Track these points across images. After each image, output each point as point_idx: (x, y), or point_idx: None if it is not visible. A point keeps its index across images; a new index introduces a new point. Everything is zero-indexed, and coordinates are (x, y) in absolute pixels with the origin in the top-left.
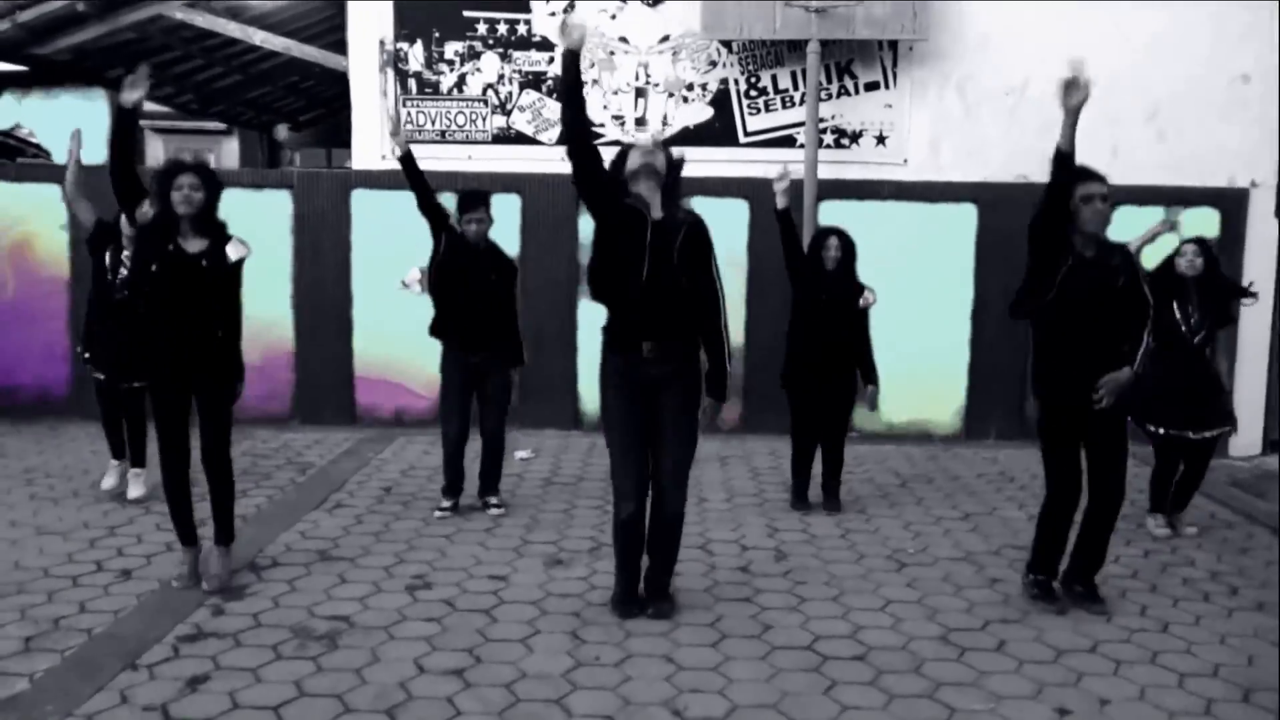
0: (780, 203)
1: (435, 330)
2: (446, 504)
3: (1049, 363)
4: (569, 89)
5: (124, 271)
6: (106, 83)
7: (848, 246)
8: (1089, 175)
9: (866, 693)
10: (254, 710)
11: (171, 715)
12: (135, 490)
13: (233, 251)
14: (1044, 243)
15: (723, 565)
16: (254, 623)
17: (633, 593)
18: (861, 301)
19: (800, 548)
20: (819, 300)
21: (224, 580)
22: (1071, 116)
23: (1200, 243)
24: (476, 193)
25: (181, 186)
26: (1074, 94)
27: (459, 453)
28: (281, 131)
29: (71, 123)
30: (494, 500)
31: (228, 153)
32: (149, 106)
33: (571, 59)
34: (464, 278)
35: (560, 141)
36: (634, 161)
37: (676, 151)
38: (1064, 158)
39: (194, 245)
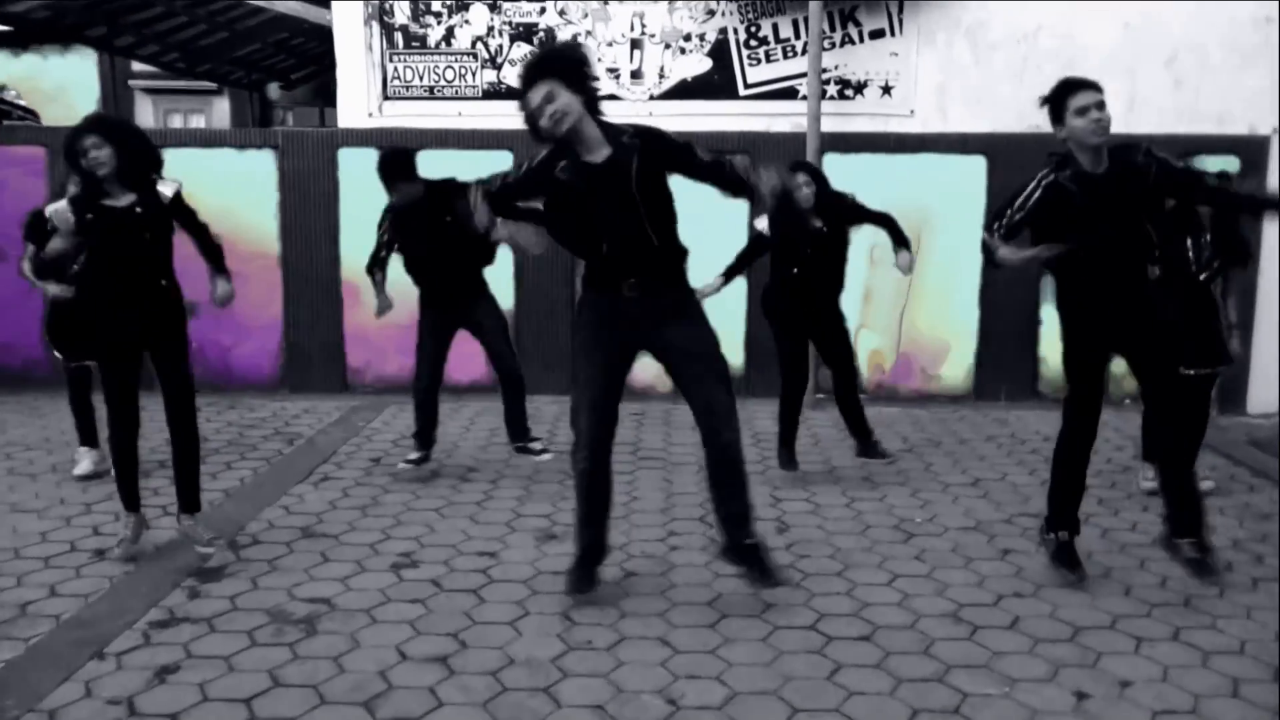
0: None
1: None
2: (414, 455)
3: (1074, 284)
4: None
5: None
6: (89, 41)
7: (816, 177)
8: (1077, 85)
9: (873, 676)
10: (224, 703)
11: (137, 709)
12: (82, 466)
13: (165, 189)
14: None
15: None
16: (230, 606)
17: (590, 558)
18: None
19: (803, 519)
20: (801, 236)
21: (211, 552)
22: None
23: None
24: (395, 161)
25: (85, 151)
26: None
27: (430, 402)
28: (273, 90)
29: (58, 84)
30: (534, 445)
31: (219, 113)
32: (136, 66)
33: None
34: (415, 234)
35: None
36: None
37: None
38: (990, 252)
39: (122, 200)
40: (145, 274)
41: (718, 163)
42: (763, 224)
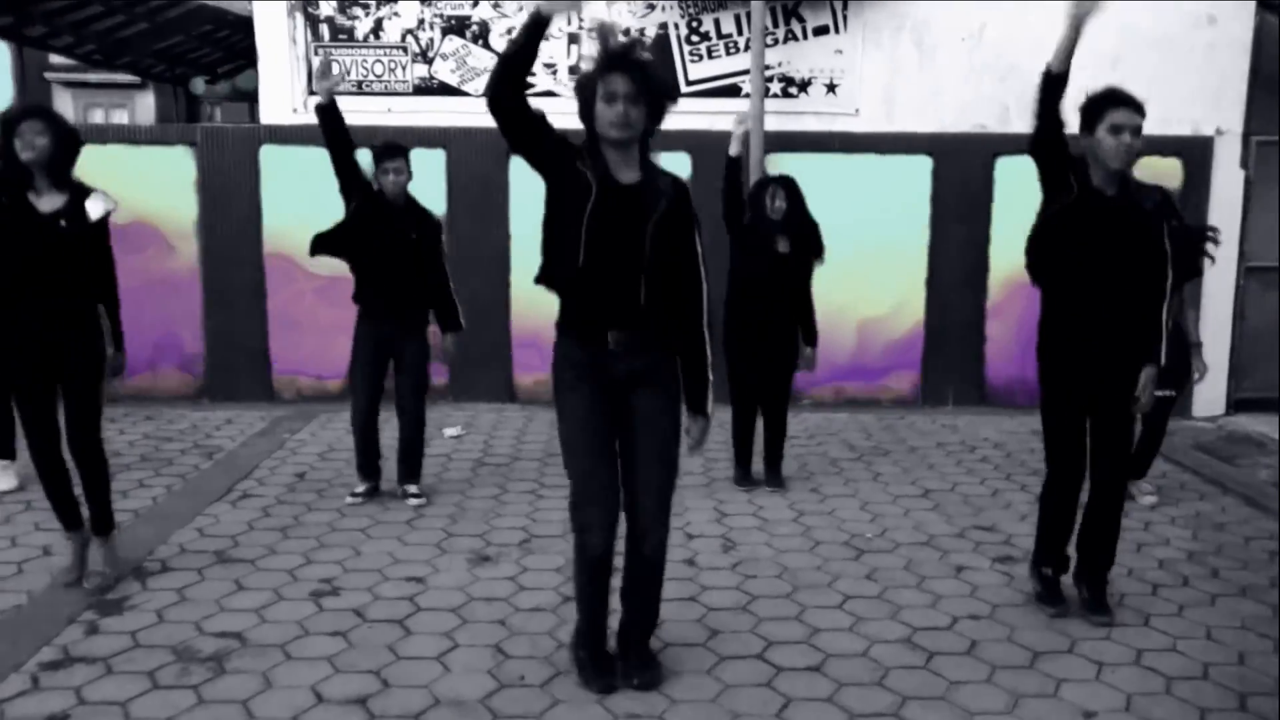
0: (733, 149)
1: (356, 296)
2: (360, 489)
3: (1058, 321)
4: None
5: None
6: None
7: (793, 194)
8: (1121, 101)
9: (824, 711)
10: None
11: None
12: (3, 483)
13: (93, 208)
14: (1045, 173)
15: (667, 559)
16: (131, 643)
17: (604, 653)
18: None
19: (750, 535)
20: (763, 254)
21: (108, 579)
22: (1072, 32)
23: (1162, 192)
24: (394, 144)
25: (23, 134)
26: (1082, 3)
27: (370, 428)
28: (198, 85)
29: None
30: (413, 489)
31: (143, 108)
32: (54, 59)
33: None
34: (380, 237)
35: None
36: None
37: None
38: (1053, 81)
39: (48, 203)
40: (56, 287)
41: (694, 261)
42: (735, 149)
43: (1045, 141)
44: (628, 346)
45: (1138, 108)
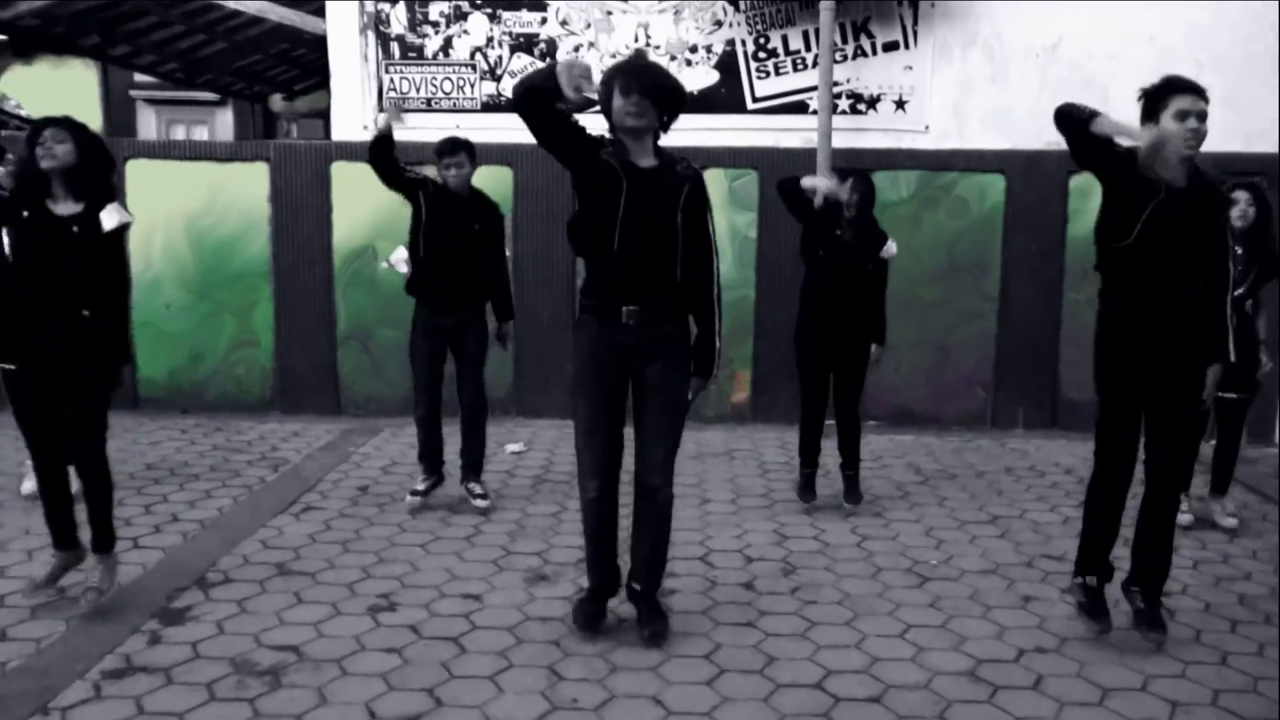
0: (817, 201)
1: (412, 287)
2: (421, 486)
3: (1119, 313)
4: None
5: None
6: (83, 51)
7: (867, 191)
8: (1184, 87)
9: None
10: None
11: None
12: (27, 485)
13: (107, 219)
14: (1099, 172)
15: (724, 581)
16: (192, 654)
17: (601, 594)
18: (884, 252)
19: (811, 559)
20: (837, 250)
21: (99, 597)
22: (1141, 148)
23: (1253, 188)
24: (455, 140)
25: (44, 140)
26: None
27: (434, 420)
28: (276, 102)
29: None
30: (478, 489)
31: (222, 124)
32: (139, 77)
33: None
34: (446, 229)
35: (518, 96)
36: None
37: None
38: (1085, 136)
39: (65, 208)
40: (64, 295)
41: (708, 239)
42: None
43: (1087, 159)
44: (641, 319)
45: (1201, 93)
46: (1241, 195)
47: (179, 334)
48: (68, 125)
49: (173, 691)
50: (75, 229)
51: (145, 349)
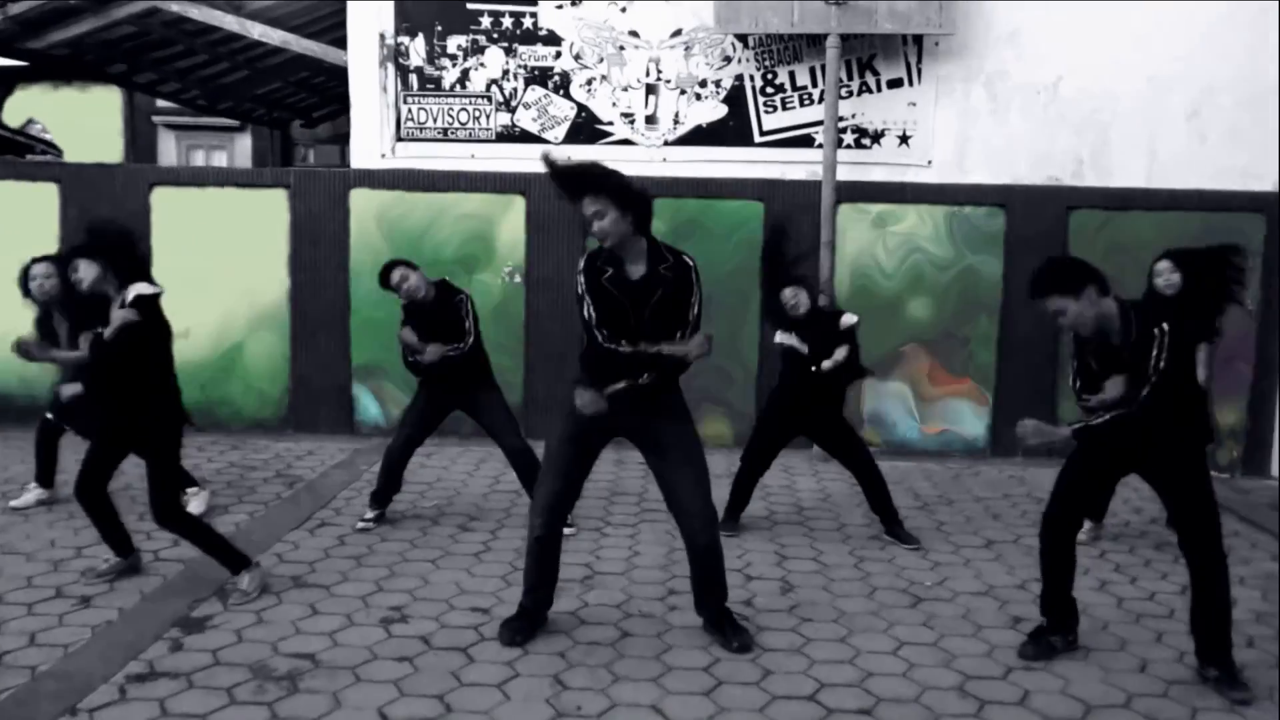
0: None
1: (410, 367)
2: (370, 514)
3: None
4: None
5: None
6: (109, 78)
7: (809, 289)
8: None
9: None
10: None
11: None
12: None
13: (116, 316)
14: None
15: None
16: (212, 660)
17: (535, 615)
18: (843, 324)
19: (809, 579)
20: (799, 359)
21: (248, 594)
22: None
23: (1174, 256)
24: (387, 270)
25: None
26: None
27: (398, 463)
28: (295, 128)
29: (74, 116)
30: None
31: (241, 150)
32: (159, 102)
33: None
34: (425, 334)
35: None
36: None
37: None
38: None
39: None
40: (109, 388)
41: (688, 320)
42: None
43: None
44: (629, 405)
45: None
46: (1163, 265)
47: (199, 360)
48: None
49: (194, 695)
50: (103, 333)
51: None
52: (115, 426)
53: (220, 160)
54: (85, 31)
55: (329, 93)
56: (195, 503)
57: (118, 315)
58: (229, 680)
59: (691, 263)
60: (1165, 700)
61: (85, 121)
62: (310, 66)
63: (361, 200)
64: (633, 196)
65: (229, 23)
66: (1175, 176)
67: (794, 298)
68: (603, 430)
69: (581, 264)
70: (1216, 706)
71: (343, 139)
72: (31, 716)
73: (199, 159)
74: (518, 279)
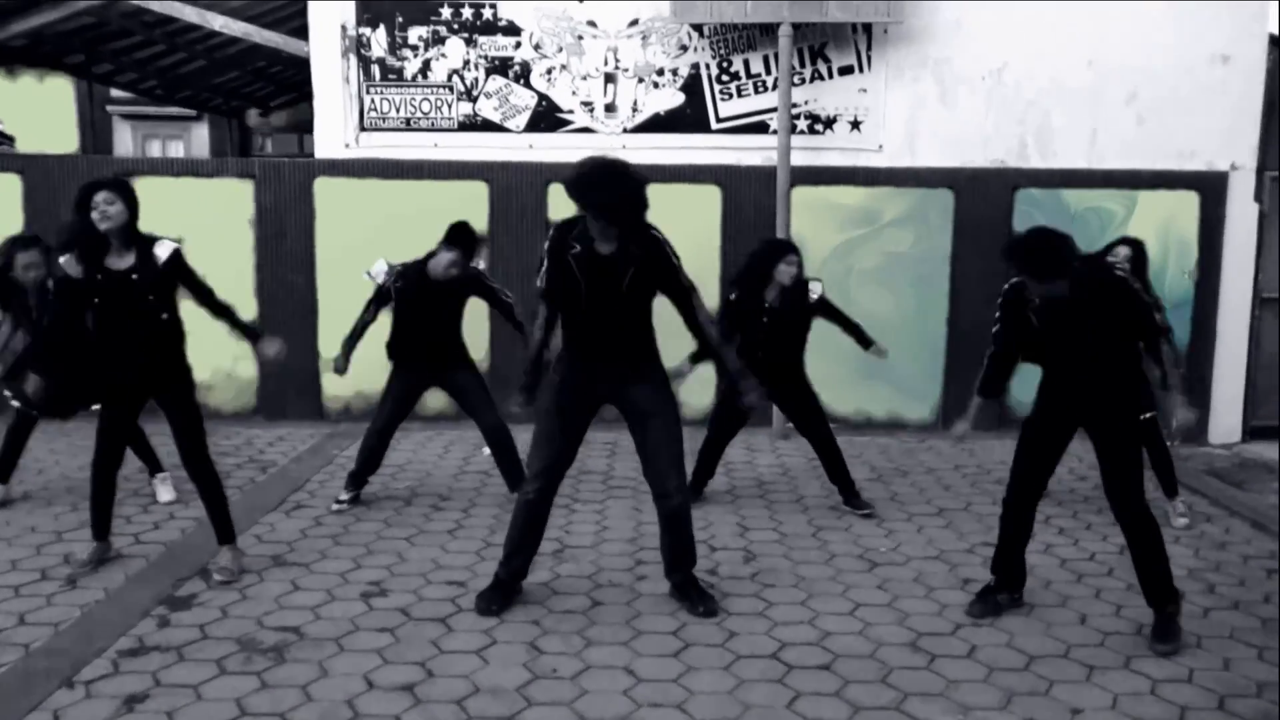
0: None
1: (392, 350)
2: (345, 496)
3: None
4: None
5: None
6: (67, 69)
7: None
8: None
9: (831, 705)
10: None
11: None
12: (164, 495)
13: (161, 251)
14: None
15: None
16: (200, 635)
17: (511, 584)
18: (811, 294)
19: (770, 548)
20: (772, 315)
21: (233, 573)
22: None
23: (1129, 242)
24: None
25: (97, 205)
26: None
27: (378, 445)
28: (252, 117)
29: (27, 107)
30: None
31: (197, 139)
32: (114, 91)
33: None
34: (421, 308)
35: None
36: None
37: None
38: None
39: (121, 262)
40: (140, 331)
41: (688, 293)
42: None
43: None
44: (609, 371)
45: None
46: (1121, 250)
47: None
48: (115, 187)
49: (186, 667)
50: (135, 276)
51: None
52: (124, 384)
53: (177, 150)
54: (46, 22)
55: (286, 82)
56: (164, 489)
57: (163, 246)
58: (218, 653)
59: (660, 236)
60: (1101, 649)
61: (39, 111)
62: (268, 56)
63: (327, 189)
64: (635, 210)
65: (189, 14)
66: (1116, 157)
67: (791, 264)
68: (587, 397)
69: (552, 232)
70: (1149, 654)
71: (300, 127)
72: (31, 687)
73: (155, 149)
74: (483, 264)
